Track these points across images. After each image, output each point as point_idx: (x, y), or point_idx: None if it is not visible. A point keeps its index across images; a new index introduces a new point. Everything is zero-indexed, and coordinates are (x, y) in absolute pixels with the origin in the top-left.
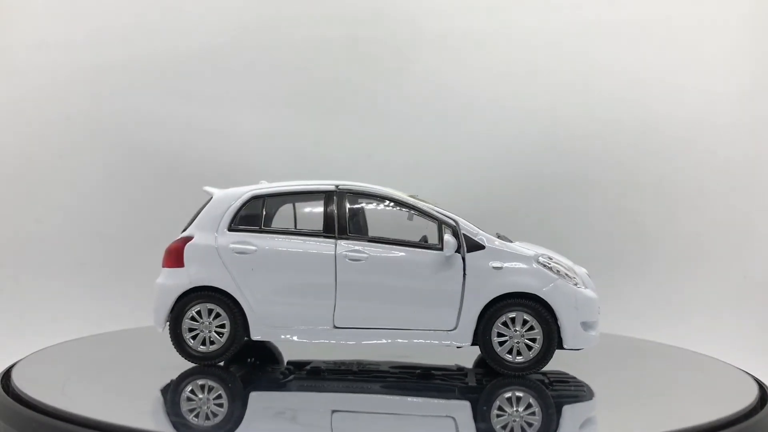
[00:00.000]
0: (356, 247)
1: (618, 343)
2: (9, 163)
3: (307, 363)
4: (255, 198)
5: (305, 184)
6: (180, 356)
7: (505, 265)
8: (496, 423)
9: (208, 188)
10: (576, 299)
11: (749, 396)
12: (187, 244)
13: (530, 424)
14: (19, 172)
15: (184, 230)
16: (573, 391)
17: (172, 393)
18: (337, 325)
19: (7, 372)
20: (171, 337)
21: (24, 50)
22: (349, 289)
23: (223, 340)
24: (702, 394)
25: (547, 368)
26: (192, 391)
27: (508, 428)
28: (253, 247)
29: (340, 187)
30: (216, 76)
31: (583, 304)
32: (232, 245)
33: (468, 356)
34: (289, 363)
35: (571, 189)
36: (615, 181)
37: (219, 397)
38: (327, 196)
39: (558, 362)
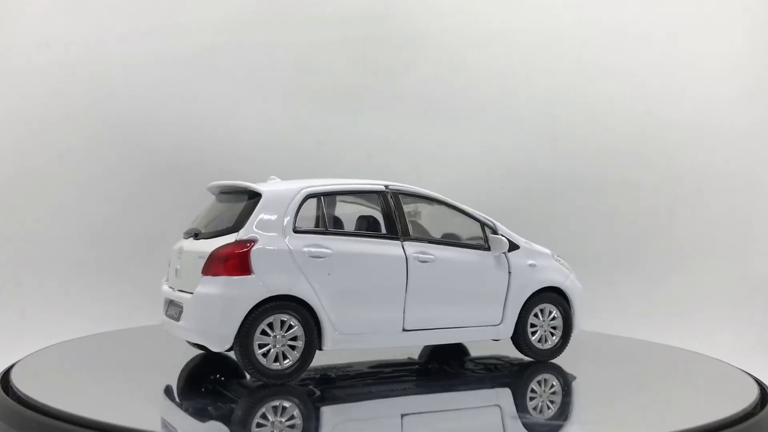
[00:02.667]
0: (423, 249)
1: (618, 343)
2: (9, 162)
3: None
4: (310, 197)
5: (353, 182)
6: (249, 374)
7: (538, 262)
8: (530, 405)
9: (248, 184)
10: (580, 289)
11: (749, 396)
12: (254, 248)
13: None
14: (19, 172)
15: (227, 232)
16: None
17: (243, 416)
18: (406, 329)
19: (7, 372)
20: (240, 354)
21: (24, 50)
22: (418, 290)
23: (297, 354)
24: (702, 394)
25: (546, 368)
26: (263, 416)
27: (538, 408)
28: (328, 250)
29: (389, 187)
30: (216, 75)
31: (582, 293)
32: (305, 248)
33: (417, 349)
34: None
35: (571, 189)
36: (615, 181)
37: (291, 417)
38: (380, 196)
39: (557, 363)
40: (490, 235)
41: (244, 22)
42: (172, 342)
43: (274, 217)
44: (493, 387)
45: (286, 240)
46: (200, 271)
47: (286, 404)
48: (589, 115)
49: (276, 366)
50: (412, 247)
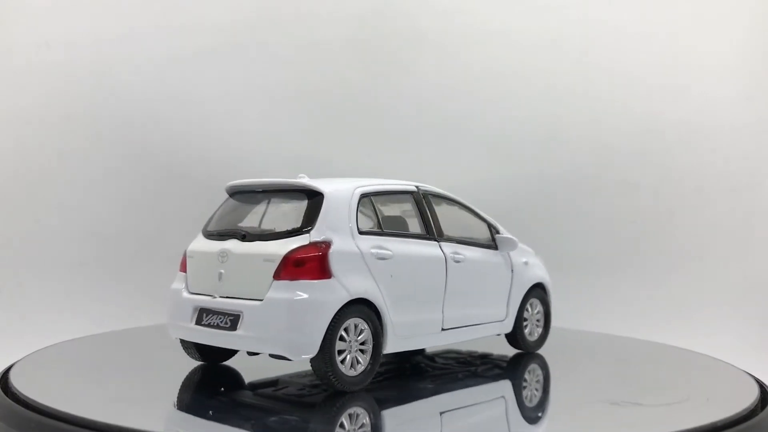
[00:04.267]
0: (455, 249)
1: (618, 343)
2: (9, 162)
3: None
4: (363, 196)
5: (390, 182)
6: (330, 383)
7: (529, 260)
8: (525, 393)
9: (306, 182)
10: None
11: (750, 396)
12: (331, 250)
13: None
14: (19, 172)
15: (294, 233)
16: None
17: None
18: (444, 328)
19: (6, 372)
20: (323, 362)
21: (24, 50)
22: (453, 290)
23: (367, 358)
24: (702, 394)
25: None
26: (341, 425)
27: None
28: (390, 252)
29: (420, 188)
30: (216, 75)
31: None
32: (372, 250)
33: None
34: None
35: (571, 189)
36: (615, 181)
37: (362, 425)
38: (413, 197)
39: (557, 362)
40: (498, 235)
41: (244, 22)
42: (171, 342)
43: (340, 218)
44: (495, 381)
45: (355, 241)
46: (267, 275)
47: (358, 411)
48: (590, 115)
49: (352, 372)
50: (448, 248)
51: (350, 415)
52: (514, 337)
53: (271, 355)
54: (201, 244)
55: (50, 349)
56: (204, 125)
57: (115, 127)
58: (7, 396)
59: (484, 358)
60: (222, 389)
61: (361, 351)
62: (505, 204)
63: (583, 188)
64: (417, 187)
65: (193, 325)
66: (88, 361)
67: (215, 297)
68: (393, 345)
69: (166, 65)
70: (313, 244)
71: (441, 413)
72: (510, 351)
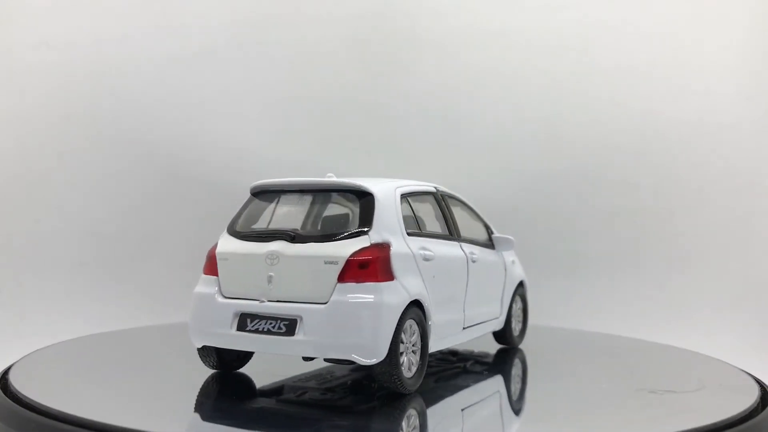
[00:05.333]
0: (471, 249)
1: (618, 343)
2: (9, 162)
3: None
4: (403, 196)
5: (416, 183)
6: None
7: (514, 259)
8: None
9: (355, 182)
10: None
11: (750, 397)
12: (392, 251)
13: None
14: (18, 172)
15: (352, 235)
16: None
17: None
18: (464, 326)
19: (6, 372)
20: (390, 365)
21: (24, 50)
22: (472, 289)
23: (417, 359)
24: (702, 394)
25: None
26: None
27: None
28: (432, 253)
29: (438, 188)
30: (216, 75)
31: None
32: (419, 251)
33: None
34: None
35: (571, 189)
36: (615, 181)
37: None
38: (434, 197)
39: (555, 361)
40: (495, 235)
41: (244, 22)
42: (171, 342)
43: (391, 219)
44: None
45: (405, 242)
46: (329, 278)
47: (411, 412)
48: (590, 114)
49: (408, 374)
50: (467, 248)
51: (407, 417)
52: (503, 333)
53: (329, 360)
54: (236, 246)
55: (50, 349)
56: (204, 125)
57: (114, 127)
58: (6, 396)
59: (463, 355)
60: (234, 397)
61: (413, 352)
62: (504, 203)
63: (583, 188)
64: (435, 187)
65: (233, 331)
66: (88, 361)
67: (263, 301)
68: (433, 345)
69: (166, 65)
70: (375, 246)
71: (462, 410)
72: (487, 347)
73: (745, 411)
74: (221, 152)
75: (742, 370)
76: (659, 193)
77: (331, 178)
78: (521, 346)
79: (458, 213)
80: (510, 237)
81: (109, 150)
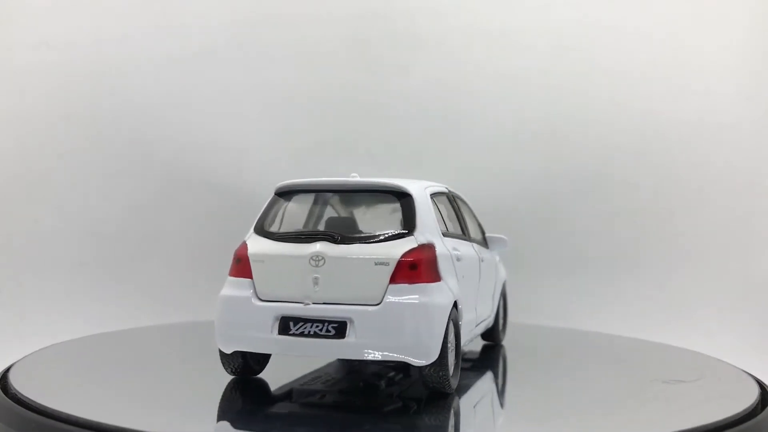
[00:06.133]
0: (478, 249)
1: (618, 343)
2: (9, 162)
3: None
4: (431, 196)
5: (433, 183)
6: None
7: (499, 258)
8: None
9: (394, 182)
10: None
11: (750, 397)
12: (437, 252)
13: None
14: (18, 172)
15: (397, 236)
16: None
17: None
18: (476, 325)
19: (6, 372)
20: (440, 366)
21: (24, 50)
22: (480, 289)
23: (453, 359)
24: (702, 394)
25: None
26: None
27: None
28: (461, 253)
29: (449, 189)
30: (216, 75)
31: None
32: (454, 251)
33: None
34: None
35: (571, 189)
36: (615, 181)
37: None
38: (447, 198)
39: (555, 361)
40: (489, 235)
41: (244, 22)
42: (172, 343)
43: (430, 219)
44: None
45: (443, 242)
46: (380, 279)
47: (446, 412)
48: (590, 114)
49: (451, 374)
50: (476, 247)
51: (453, 414)
52: (491, 330)
53: (378, 362)
54: (273, 247)
55: (50, 349)
56: (204, 125)
57: (115, 127)
58: (6, 396)
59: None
60: (248, 400)
61: (451, 352)
62: (504, 203)
63: (583, 188)
64: (446, 187)
65: (275, 335)
66: (88, 361)
67: (308, 304)
68: (462, 344)
69: (166, 65)
70: (423, 246)
71: (474, 406)
72: (473, 346)
73: (745, 411)
74: (221, 152)
75: (742, 370)
76: (659, 193)
77: (365, 179)
78: (520, 346)
79: (464, 213)
80: (503, 236)
81: (109, 150)
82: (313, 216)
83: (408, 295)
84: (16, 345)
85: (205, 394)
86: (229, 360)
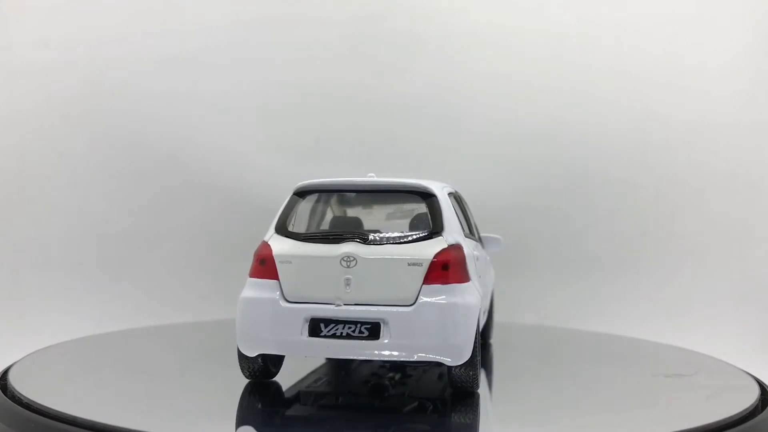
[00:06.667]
0: (479, 248)
1: (618, 344)
2: (9, 162)
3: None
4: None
5: (443, 183)
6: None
7: (490, 258)
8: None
9: (420, 183)
10: None
11: (750, 397)
12: (466, 253)
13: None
14: (18, 172)
15: (426, 236)
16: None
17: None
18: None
19: (5, 373)
20: (471, 366)
21: (24, 50)
22: (484, 288)
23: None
24: (702, 394)
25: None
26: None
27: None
28: (478, 253)
29: (456, 190)
30: (216, 75)
31: None
32: (474, 252)
33: None
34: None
35: (571, 189)
36: (615, 181)
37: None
38: (454, 197)
39: (554, 361)
40: (485, 235)
41: (244, 22)
42: (171, 343)
43: (454, 219)
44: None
45: (466, 243)
46: (414, 279)
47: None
48: (590, 115)
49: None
50: (479, 247)
51: (484, 412)
52: (484, 329)
53: (406, 363)
54: (300, 248)
55: (50, 349)
56: (204, 125)
57: (114, 127)
58: (6, 396)
59: None
60: (259, 405)
61: None
62: (504, 203)
63: (583, 188)
64: (454, 190)
65: (305, 337)
66: (88, 361)
67: (339, 305)
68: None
69: (166, 65)
70: (452, 247)
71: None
72: None
73: (745, 411)
74: (221, 152)
75: (742, 370)
76: (659, 193)
77: (387, 179)
78: (519, 346)
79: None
80: (498, 236)
81: (109, 150)
82: (336, 216)
83: (442, 296)
84: (16, 345)
85: (206, 394)
86: (249, 363)
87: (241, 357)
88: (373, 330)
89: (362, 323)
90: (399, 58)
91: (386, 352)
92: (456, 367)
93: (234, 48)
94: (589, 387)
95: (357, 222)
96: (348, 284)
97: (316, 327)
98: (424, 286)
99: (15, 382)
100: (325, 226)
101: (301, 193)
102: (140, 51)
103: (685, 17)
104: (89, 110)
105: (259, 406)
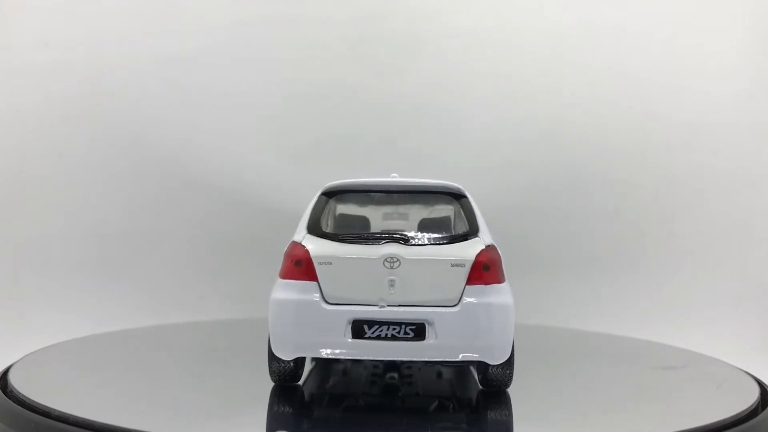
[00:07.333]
0: None
1: (618, 344)
2: (9, 163)
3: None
4: None
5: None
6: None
7: None
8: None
9: (452, 184)
10: None
11: (750, 397)
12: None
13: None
14: (18, 172)
15: (462, 237)
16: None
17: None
18: None
19: (5, 373)
20: (509, 365)
21: (24, 50)
22: None
23: None
24: (702, 394)
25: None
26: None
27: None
28: None
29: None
30: (216, 75)
31: None
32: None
33: None
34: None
35: (571, 189)
36: (615, 181)
37: None
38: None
39: (554, 362)
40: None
41: (244, 22)
42: (171, 343)
43: (483, 220)
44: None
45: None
46: (457, 280)
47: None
48: (590, 115)
49: None
50: None
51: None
52: None
53: (449, 364)
54: (340, 249)
55: (50, 349)
56: (204, 125)
57: (114, 127)
58: (6, 396)
59: None
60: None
61: None
62: (504, 203)
63: (583, 188)
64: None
65: (348, 339)
66: (88, 361)
67: (383, 306)
68: None
69: (166, 65)
70: (489, 247)
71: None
72: None
73: (745, 411)
74: (221, 152)
75: (742, 370)
76: (660, 193)
77: (418, 179)
78: (517, 346)
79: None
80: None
81: (109, 150)
82: (369, 217)
83: (484, 296)
84: (16, 345)
85: (206, 394)
86: (280, 367)
87: (273, 360)
88: (418, 331)
89: (407, 324)
90: (399, 58)
91: (432, 353)
92: (494, 366)
93: (234, 48)
94: (589, 387)
95: (365, 222)
96: (392, 285)
97: (359, 329)
98: (467, 286)
99: (15, 382)
100: (348, 227)
101: (329, 194)
102: (140, 51)
103: (685, 17)
104: (89, 110)
105: (282, 408)
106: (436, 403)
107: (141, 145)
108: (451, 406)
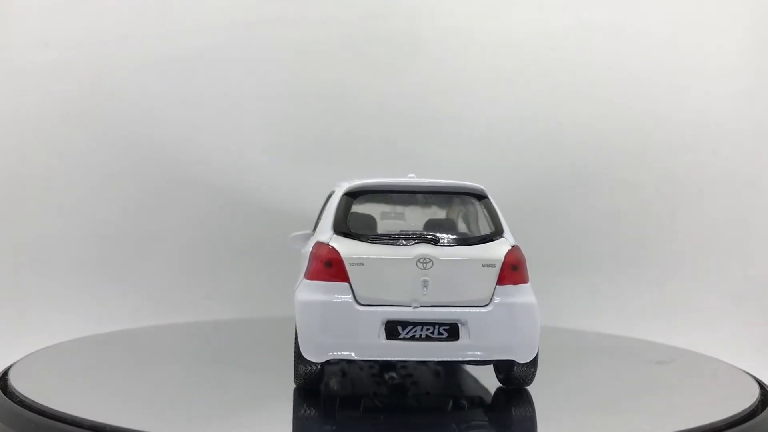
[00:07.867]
0: None
1: (618, 344)
2: (8, 162)
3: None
4: None
5: None
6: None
7: None
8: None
9: (474, 185)
10: None
11: (750, 397)
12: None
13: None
14: (18, 172)
15: (489, 237)
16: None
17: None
18: None
19: (5, 373)
20: (532, 364)
21: (24, 50)
22: None
23: None
24: (702, 394)
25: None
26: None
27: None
28: None
29: None
30: (217, 75)
31: None
32: None
33: None
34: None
35: (571, 189)
36: (615, 181)
37: None
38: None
39: (553, 362)
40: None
41: (244, 22)
42: (171, 343)
43: (505, 221)
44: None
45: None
46: (488, 280)
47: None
48: (590, 114)
49: None
50: None
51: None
52: None
53: (480, 363)
54: (372, 249)
55: (50, 349)
56: (204, 125)
57: (115, 127)
58: (6, 396)
59: None
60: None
61: None
62: (503, 203)
63: (583, 188)
64: None
65: (383, 341)
66: (88, 361)
67: (416, 307)
68: None
69: (166, 66)
70: (515, 248)
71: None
72: None
73: (745, 411)
74: (221, 152)
75: (742, 370)
76: (660, 193)
77: (440, 180)
78: None
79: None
80: None
81: (109, 150)
82: (394, 217)
83: (514, 296)
84: (16, 345)
85: (207, 394)
86: (308, 369)
87: (301, 363)
88: (451, 331)
89: (440, 324)
90: (399, 58)
91: (466, 353)
92: (520, 364)
93: (234, 48)
94: (588, 387)
95: (372, 222)
96: (425, 286)
97: (393, 330)
98: (497, 286)
99: (15, 382)
100: (368, 227)
101: (352, 194)
102: (140, 51)
103: (685, 17)
104: (89, 110)
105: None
106: (451, 402)
107: (141, 145)
108: (467, 404)
